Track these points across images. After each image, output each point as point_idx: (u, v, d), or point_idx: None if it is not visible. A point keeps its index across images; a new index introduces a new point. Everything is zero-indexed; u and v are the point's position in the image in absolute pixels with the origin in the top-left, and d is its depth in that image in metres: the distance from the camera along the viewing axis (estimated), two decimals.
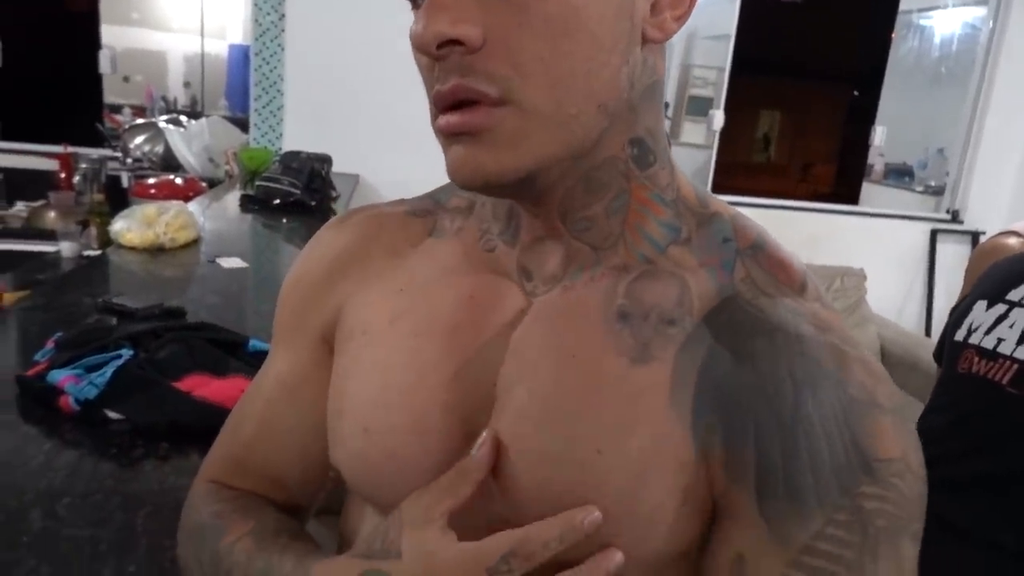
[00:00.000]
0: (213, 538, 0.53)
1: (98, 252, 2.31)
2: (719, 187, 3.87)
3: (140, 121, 3.43)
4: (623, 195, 0.46)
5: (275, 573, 0.49)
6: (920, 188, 4.66)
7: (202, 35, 5.39)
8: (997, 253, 1.52)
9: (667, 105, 4.82)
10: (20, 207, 3.13)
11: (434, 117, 0.43)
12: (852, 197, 4.71)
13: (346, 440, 0.51)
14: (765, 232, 0.50)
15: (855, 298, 3.35)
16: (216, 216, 2.39)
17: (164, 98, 5.42)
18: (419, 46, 0.40)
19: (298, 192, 2.47)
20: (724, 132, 3.76)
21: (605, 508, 0.43)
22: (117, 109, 4.40)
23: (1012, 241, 1.60)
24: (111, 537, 0.70)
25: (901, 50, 4.89)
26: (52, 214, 2.94)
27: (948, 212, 3.91)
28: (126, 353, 0.97)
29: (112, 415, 0.90)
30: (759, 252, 0.47)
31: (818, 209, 3.87)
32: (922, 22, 4.79)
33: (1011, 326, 0.97)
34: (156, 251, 1.76)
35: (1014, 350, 0.95)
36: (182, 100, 5.66)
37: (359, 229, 0.55)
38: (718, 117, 3.67)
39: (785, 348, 0.43)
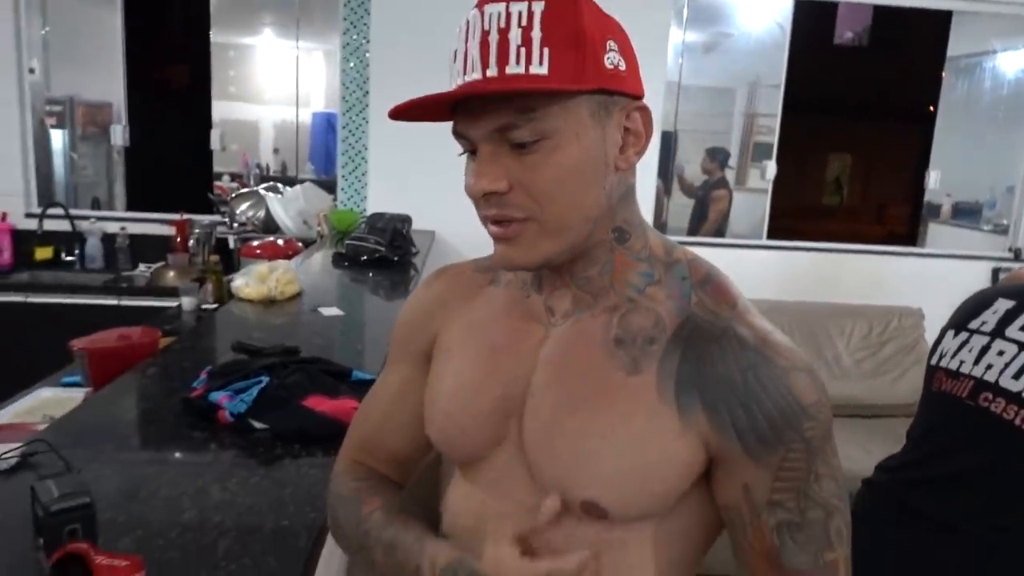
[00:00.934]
0: (355, 507, 0.82)
1: (215, 305, 2.67)
2: (779, 231, 4.00)
3: (244, 190, 3.85)
4: (609, 262, 0.71)
5: (401, 540, 0.75)
6: (988, 227, 4.68)
7: (296, 105, 5.89)
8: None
9: (729, 155, 5.01)
10: (142, 268, 3.58)
11: (486, 226, 0.69)
12: (913, 238, 4.77)
13: (436, 420, 0.79)
14: (713, 268, 0.74)
15: (913, 337, 3.43)
16: (311, 272, 2.72)
17: (258, 164, 5.94)
18: (470, 196, 0.66)
19: (383, 249, 2.79)
20: (790, 176, 3.88)
21: (623, 463, 0.66)
22: (218, 176, 4.90)
23: None
24: (268, 504, 0.97)
25: (959, 90, 4.97)
26: (171, 273, 3.36)
27: (1010, 250, 3.96)
28: (264, 379, 1.26)
29: (257, 425, 1.19)
30: (706, 284, 0.72)
31: (875, 251, 3.97)
32: (984, 63, 4.87)
33: (970, 350, 1.16)
34: (268, 303, 2.08)
35: (971, 369, 1.13)
36: (273, 166, 6.18)
37: (444, 283, 0.84)
38: (770, 167, 3.85)
39: (730, 348, 0.66)
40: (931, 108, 4.30)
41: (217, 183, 4.66)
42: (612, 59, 0.64)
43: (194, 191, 3.94)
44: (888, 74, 5.70)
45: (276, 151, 6.25)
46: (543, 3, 0.61)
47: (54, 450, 1.04)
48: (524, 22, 0.61)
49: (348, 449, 0.89)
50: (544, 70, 0.61)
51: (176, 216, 3.60)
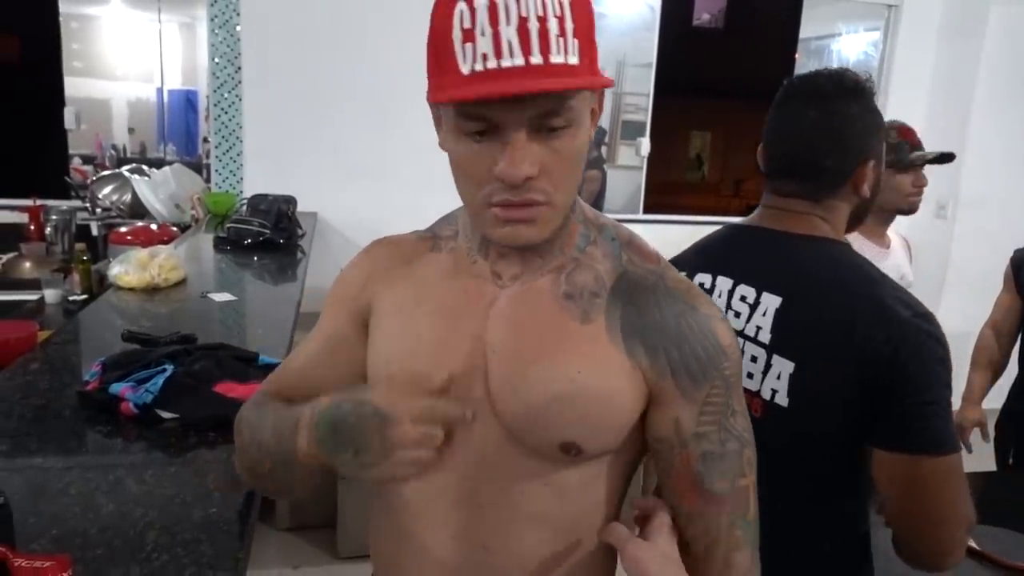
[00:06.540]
0: (262, 408, 0.81)
1: (83, 296, 2.50)
2: (652, 207, 4.19)
3: (106, 173, 3.60)
4: (565, 228, 0.76)
5: (285, 412, 0.75)
6: None
7: (162, 82, 5.55)
8: None
9: (604, 132, 5.16)
10: None
11: (485, 208, 0.69)
12: None
13: None
14: (632, 232, 0.81)
15: None
16: (192, 258, 2.59)
17: (113, 146, 5.55)
18: (510, 181, 0.66)
19: (268, 232, 2.70)
20: (657, 154, 4.09)
21: (590, 402, 0.72)
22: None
23: None
24: (192, 493, 0.94)
25: (810, 70, 5.34)
26: (27, 264, 3.09)
27: None
28: (169, 368, 1.21)
29: (165, 415, 1.14)
30: (631, 244, 0.79)
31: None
32: (831, 46, 5.26)
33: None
34: (151, 290, 1.98)
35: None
36: (130, 147, 5.79)
37: (385, 250, 0.84)
38: (644, 144, 4.01)
39: (662, 297, 0.75)
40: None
41: (72, 166, 4.32)
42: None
43: (47, 174, 3.63)
44: (743, 55, 6.03)
45: (132, 131, 5.86)
46: None
47: None
48: (558, 12, 0.63)
49: (266, 386, 0.86)
50: (577, 60, 0.64)
51: (28, 202, 3.31)
